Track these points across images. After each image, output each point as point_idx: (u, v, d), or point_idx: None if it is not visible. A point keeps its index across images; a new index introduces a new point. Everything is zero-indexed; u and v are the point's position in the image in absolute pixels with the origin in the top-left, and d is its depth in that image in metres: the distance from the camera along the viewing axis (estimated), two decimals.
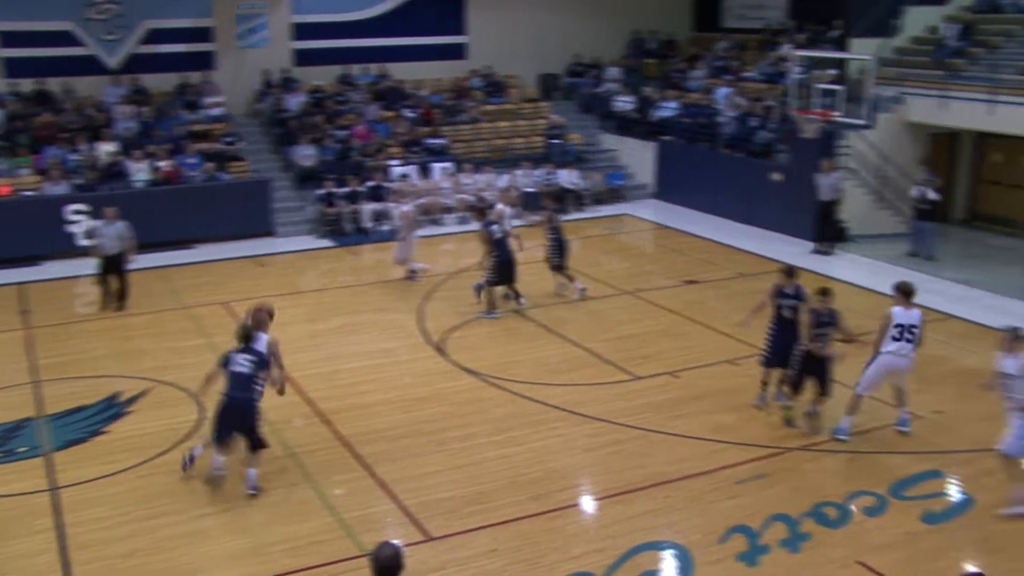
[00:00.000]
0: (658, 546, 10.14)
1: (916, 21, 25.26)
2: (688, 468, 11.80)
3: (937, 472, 11.67)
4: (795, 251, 21.59)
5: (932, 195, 20.76)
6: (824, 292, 12.59)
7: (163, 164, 23.19)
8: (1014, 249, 22.29)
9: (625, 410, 13.48)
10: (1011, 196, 24.10)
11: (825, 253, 21.53)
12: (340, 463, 11.97)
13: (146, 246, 18.89)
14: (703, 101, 27.82)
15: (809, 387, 12.65)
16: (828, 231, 21.76)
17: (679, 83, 29.70)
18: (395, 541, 6.78)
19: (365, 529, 10.42)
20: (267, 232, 23.36)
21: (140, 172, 22.90)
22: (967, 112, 21.90)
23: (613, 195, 27.34)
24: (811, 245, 21.95)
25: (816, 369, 12.46)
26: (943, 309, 17.24)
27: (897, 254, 21.12)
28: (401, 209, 20.11)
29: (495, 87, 29.60)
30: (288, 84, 27.14)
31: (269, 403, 13.55)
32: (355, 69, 28.51)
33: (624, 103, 29.32)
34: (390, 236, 23.33)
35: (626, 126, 29.01)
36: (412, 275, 19.69)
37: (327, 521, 10.59)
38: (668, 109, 27.97)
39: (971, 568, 9.20)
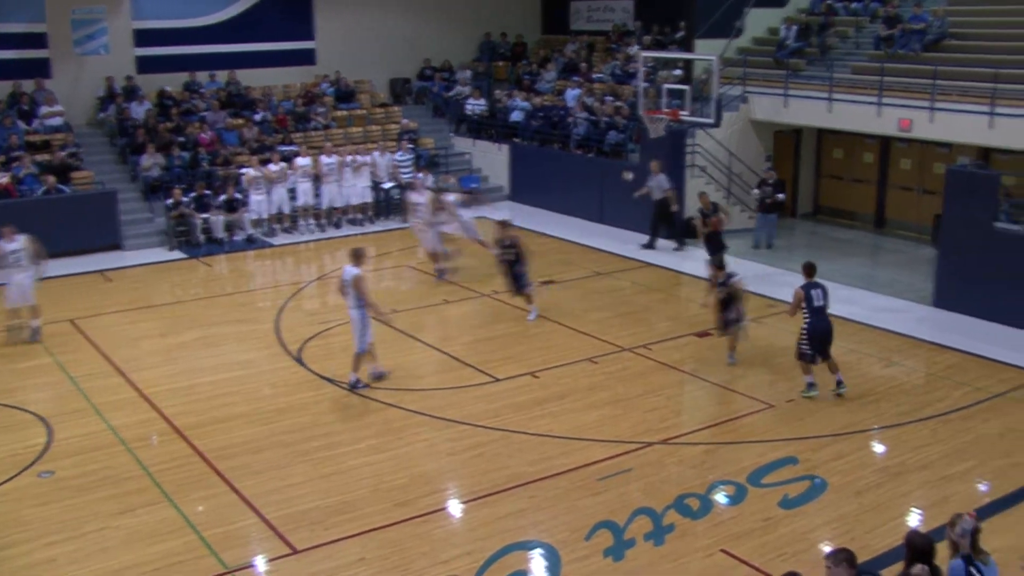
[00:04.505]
0: (526, 546, 10.18)
1: (757, 22, 26.02)
2: (552, 467, 11.88)
3: (792, 458, 12.02)
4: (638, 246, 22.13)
5: (767, 190, 21.59)
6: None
7: None
8: (856, 241, 23.21)
9: (487, 412, 13.51)
10: (851, 190, 25.03)
11: (650, 246, 22.28)
12: (200, 479, 11.67)
13: None
14: (554, 103, 28.11)
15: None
16: (665, 228, 22.31)
17: (530, 85, 29.95)
18: None
19: (229, 546, 10.18)
20: (114, 245, 22.63)
21: None
22: (807, 110, 22.68)
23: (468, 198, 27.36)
24: (662, 241, 22.42)
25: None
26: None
27: (743, 248, 21.65)
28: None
29: (345, 93, 29.33)
30: (132, 92, 26.36)
31: (124, 420, 13.27)
32: (202, 76, 27.88)
33: (476, 106, 29.41)
34: (244, 246, 22.99)
35: (479, 129, 29.11)
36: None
37: (189, 540, 10.30)
38: (520, 111, 28.16)
39: (828, 548, 9.47)
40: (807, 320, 13.62)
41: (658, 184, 21.90)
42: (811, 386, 13.72)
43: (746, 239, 22.22)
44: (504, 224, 17.79)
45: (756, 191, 22.29)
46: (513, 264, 17.24)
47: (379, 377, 14.57)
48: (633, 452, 12.27)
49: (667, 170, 22.22)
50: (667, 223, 22.28)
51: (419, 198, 20.61)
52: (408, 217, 21.72)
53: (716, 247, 19.32)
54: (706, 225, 19.48)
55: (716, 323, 15.22)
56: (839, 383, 13.87)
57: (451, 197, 20.63)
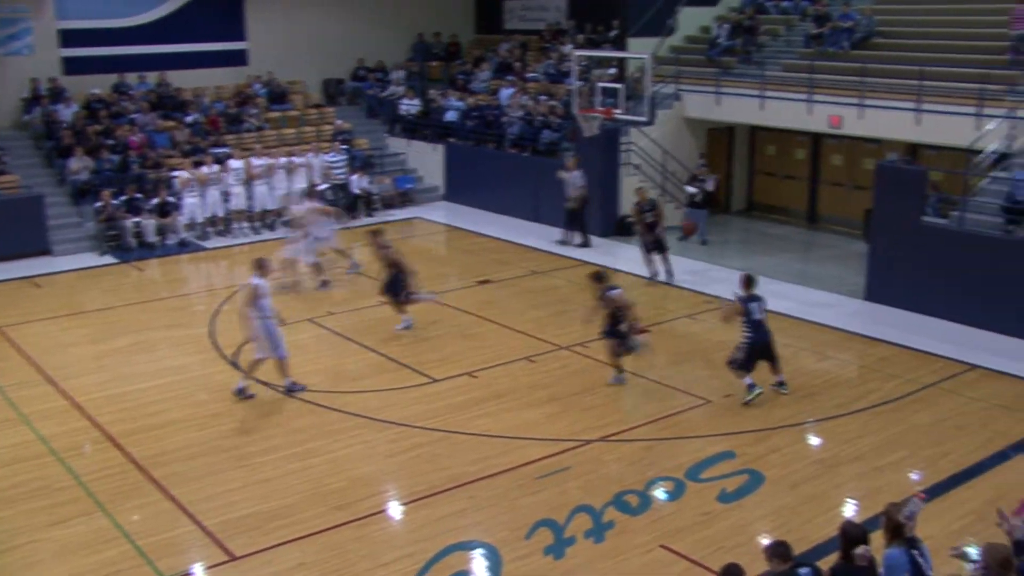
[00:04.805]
0: (467, 546, 10.16)
1: (689, 21, 26.26)
2: (491, 466, 11.89)
3: (729, 453, 12.14)
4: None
5: (692, 188, 21.85)
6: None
7: None
8: (789, 237, 23.49)
9: (425, 413, 13.47)
10: (784, 186, 25.34)
11: (584, 244, 22.46)
12: (135, 488, 11.49)
13: None
14: (488, 102, 28.10)
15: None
16: (579, 224, 22.55)
17: (464, 85, 29.92)
18: None
19: (165, 554, 10.04)
20: (43, 251, 22.19)
21: None
22: (740, 107, 22.93)
23: (403, 199, 27.31)
24: (597, 239, 22.55)
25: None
26: (729, 296, 17.87)
27: (672, 243, 21.75)
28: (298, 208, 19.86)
29: (278, 94, 29.07)
30: (58, 94, 25.86)
31: (55, 430, 13.03)
32: (131, 77, 27.45)
33: (410, 106, 29.31)
34: (177, 250, 22.69)
35: (413, 129, 29.02)
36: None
37: (124, 549, 10.14)
38: (454, 111, 28.11)
39: (766, 541, 9.57)
40: (747, 334, 13.54)
41: (572, 181, 22.05)
42: (752, 387, 13.60)
43: (676, 234, 22.39)
44: (376, 232, 17.49)
45: (689, 188, 22.44)
46: (394, 273, 16.91)
47: (241, 392, 14.13)
48: (572, 450, 12.30)
49: (598, 168, 22.36)
50: (573, 220, 22.49)
51: (299, 209, 20.06)
52: (291, 228, 20.60)
53: (653, 245, 19.34)
54: (642, 221, 19.47)
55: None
56: (781, 383, 13.95)
57: (306, 207, 19.99)
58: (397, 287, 16.79)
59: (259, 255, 14.60)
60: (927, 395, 13.91)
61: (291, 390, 14.16)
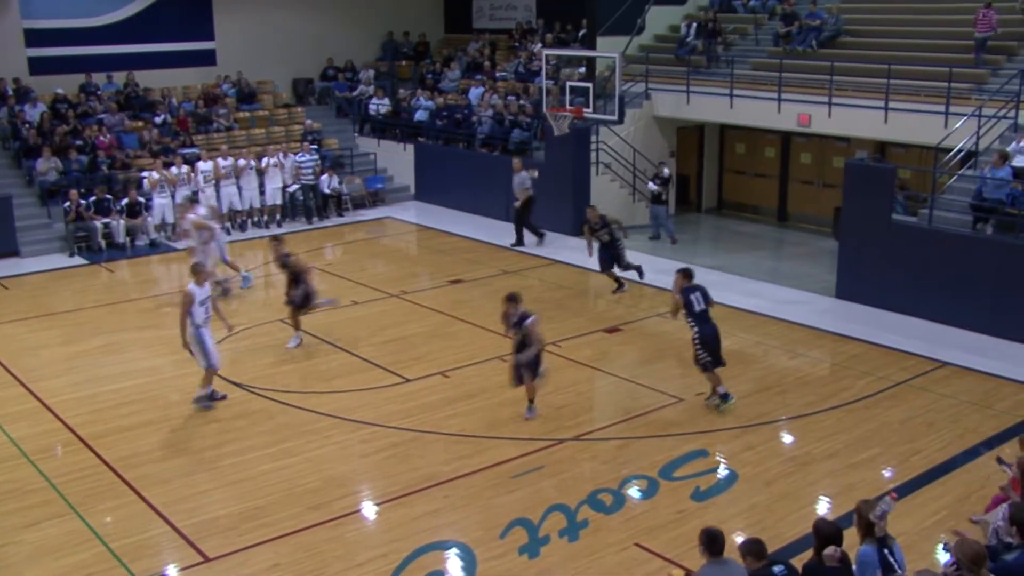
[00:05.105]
0: (441, 546, 10.17)
1: (658, 20, 26.35)
2: (465, 466, 11.89)
3: (703, 451, 12.19)
4: (546, 243, 22.27)
5: (654, 186, 21.94)
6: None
7: None
8: (759, 235, 23.60)
9: (398, 413, 13.46)
10: (754, 185, 25.47)
11: (540, 237, 22.62)
12: (108, 490, 11.42)
13: None
14: (458, 101, 28.10)
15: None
16: (529, 225, 22.57)
17: (433, 84, 29.90)
18: None
19: (139, 556, 9.99)
20: (11, 252, 21.98)
21: None
22: (709, 106, 23.03)
23: (374, 199, 27.25)
24: (567, 238, 22.56)
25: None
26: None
27: (643, 242, 21.87)
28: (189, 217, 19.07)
29: (247, 93, 28.94)
30: (24, 94, 25.63)
31: (26, 432, 12.92)
32: (98, 78, 27.23)
33: (379, 105, 29.26)
34: (147, 251, 22.56)
35: (383, 129, 28.96)
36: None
37: (97, 552, 10.08)
38: (424, 111, 28.07)
39: (740, 538, 9.63)
40: (694, 328, 13.21)
41: (520, 182, 22.09)
42: (725, 397, 13.42)
43: (646, 232, 22.49)
44: (276, 240, 16.73)
45: (652, 185, 22.44)
46: (295, 282, 16.01)
47: (211, 397, 13.90)
48: (546, 449, 12.32)
49: (569, 167, 22.38)
50: (519, 220, 22.55)
51: (195, 217, 19.04)
52: (191, 236, 19.13)
53: (610, 261, 18.68)
54: (597, 240, 18.80)
55: (511, 376, 13.35)
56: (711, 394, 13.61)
57: (192, 217, 19.06)
58: (307, 299, 16.17)
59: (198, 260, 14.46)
60: (898, 392, 14.02)
61: (200, 401, 13.75)
